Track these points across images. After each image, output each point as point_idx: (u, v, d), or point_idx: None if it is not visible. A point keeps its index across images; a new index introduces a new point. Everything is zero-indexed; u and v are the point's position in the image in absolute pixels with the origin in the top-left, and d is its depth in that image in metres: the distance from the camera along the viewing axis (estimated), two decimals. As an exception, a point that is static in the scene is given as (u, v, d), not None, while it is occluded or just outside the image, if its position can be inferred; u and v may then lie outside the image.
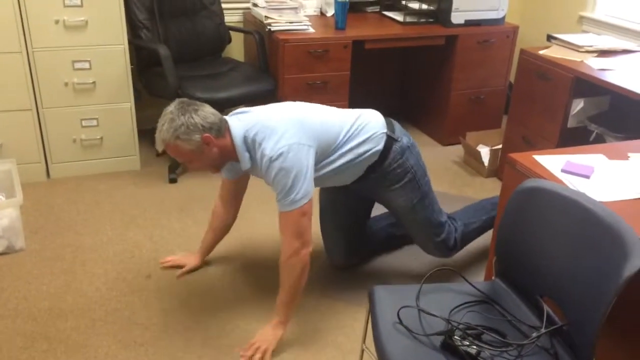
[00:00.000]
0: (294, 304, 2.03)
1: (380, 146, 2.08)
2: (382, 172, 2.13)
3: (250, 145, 1.93)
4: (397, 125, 2.18)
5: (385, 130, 2.09)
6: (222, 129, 1.93)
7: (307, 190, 1.88)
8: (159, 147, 1.94)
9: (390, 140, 2.09)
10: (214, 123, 1.91)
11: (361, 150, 2.06)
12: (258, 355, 1.97)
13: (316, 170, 1.99)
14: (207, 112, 1.92)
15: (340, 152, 2.03)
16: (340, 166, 2.05)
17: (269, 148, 1.86)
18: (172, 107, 1.91)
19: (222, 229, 2.38)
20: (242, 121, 1.96)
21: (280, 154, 1.84)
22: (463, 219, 2.43)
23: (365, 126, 2.07)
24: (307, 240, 1.93)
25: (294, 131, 1.89)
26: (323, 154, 2.00)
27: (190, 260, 2.44)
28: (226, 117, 1.98)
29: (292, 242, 1.91)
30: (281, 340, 2.03)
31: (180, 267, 2.43)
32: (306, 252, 1.93)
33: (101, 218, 2.81)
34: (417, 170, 2.17)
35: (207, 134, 1.89)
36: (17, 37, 2.81)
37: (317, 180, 2.05)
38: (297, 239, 1.90)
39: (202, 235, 2.45)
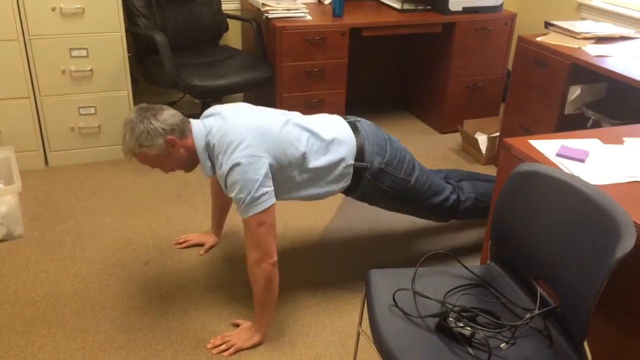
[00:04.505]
0: (267, 314, 1.97)
1: (348, 182, 2.08)
2: (358, 195, 2.18)
3: (211, 154, 1.92)
4: (367, 144, 2.08)
5: (351, 162, 2.05)
6: (185, 130, 1.93)
7: (261, 199, 1.82)
8: (127, 158, 1.93)
9: (359, 168, 2.07)
10: (175, 124, 1.90)
11: (329, 179, 2.04)
12: (224, 346, 1.97)
13: (287, 190, 1.99)
14: (167, 115, 1.91)
15: (307, 181, 2.01)
16: (309, 193, 2.04)
17: (224, 161, 1.83)
18: (131, 116, 1.90)
19: (223, 207, 2.45)
20: (206, 127, 1.93)
21: (233, 166, 1.81)
22: (476, 193, 2.42)
23: (333, 159, 2.02)
24: (267, 252, 1.86)
25: (250, 142, 1.84)
26: (283, 168, 1.94)
27: (208, 238, 2.52)
28: (192, 121, 1.97)
29: (252, 252, 1.87)
30: (262, 344, 2.01)
31: (199, 245, 2.50)
32: (268, 264, 1.86)
33: (100, 205, 2.82)
34: (395, 187, 2.16)
35: (170, 137, 1.89)
36: (13, 24, 2.80)
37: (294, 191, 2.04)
38: (256, 249, 1.85)
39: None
